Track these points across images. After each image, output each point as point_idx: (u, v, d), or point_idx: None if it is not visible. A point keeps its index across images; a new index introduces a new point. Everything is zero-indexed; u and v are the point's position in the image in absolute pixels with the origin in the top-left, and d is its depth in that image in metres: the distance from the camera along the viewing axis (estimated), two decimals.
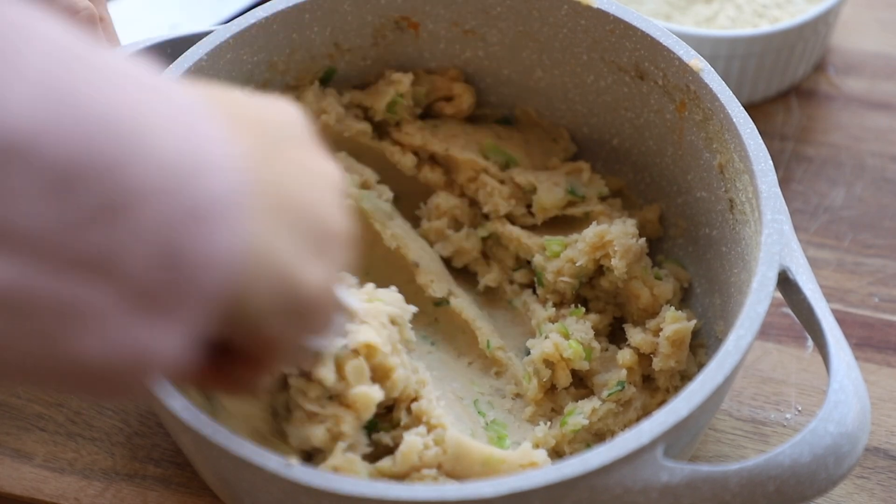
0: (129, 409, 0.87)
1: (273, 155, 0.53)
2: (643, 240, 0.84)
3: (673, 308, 0.82)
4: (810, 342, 0.90)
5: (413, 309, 0.79)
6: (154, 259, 0.43)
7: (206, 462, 0.72)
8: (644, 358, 0.83)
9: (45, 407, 0.87)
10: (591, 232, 0.84)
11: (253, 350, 0.55)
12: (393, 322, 0.77)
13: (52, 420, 0.87)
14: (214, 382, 0.58)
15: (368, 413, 0.73)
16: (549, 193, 0.89)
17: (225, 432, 0.66)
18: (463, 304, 0.88)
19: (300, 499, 0.66)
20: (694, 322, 0.81)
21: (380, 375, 0.74)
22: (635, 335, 0.83)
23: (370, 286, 0.79)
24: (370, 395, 0.72)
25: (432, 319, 0.89)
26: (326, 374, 0.72)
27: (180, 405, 0.67)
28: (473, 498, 0.63)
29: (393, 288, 0.80)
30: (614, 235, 0.83)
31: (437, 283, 0.88)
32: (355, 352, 0.73)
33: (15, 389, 0.88)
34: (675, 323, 0.81)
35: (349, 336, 0.73)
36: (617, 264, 0.83)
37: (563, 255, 0.86)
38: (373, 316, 0.75)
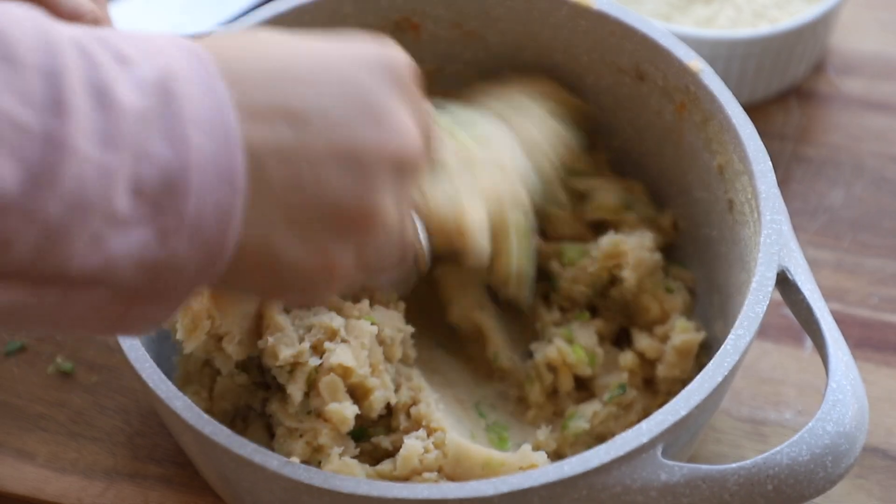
0: (130, 408, 0.88)
1: (297, 145, 0.52)
2: (658, 254, 0.84)
3: (683, 318, 0.82)
4: (809, 342, 0.90)
5: (410, 329, 0.79)
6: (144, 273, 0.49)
7: (207, 461, 0.73)
8: (647, 361, 0.83)
9: (46, 407, 0.87)
10: (607, 241, 0.84)
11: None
12: (381, 342, 0.77)
13: (54, 420, 0.87)
14: None
15: (346, 427, 0.74)
16: (606, 195, 0.88)
17: (226, 431, 0.66)
18: (482, 313, 0.87)
19: (301, 498, 0.66)
20: (703, 334, 0.81)
21: (359, 394, 0.75)
22: (641, 340, 0.83)
23: (365, 302, 0.79)
24: (343, 412, 0.73)
25: (450, 326, 0.89)
26: (294, 391, 0.74)
27: (182, 405, 0.67)
28: (474, 496, 0.63)
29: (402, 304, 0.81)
30: (629, 247, 0.83)
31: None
32: (330, 369, 0.74)
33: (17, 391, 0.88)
34: (683, 334, 0.81)
35: (325, 354, 0.74)
36: (628, 276, 0.83)
37: (579, 264, 0.85)
38: (354, 336, 0.76)
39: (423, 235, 0.69)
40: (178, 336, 0.73)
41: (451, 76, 0.92)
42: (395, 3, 0.87)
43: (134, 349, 0.70)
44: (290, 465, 0.65)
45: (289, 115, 0.52)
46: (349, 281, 0.58)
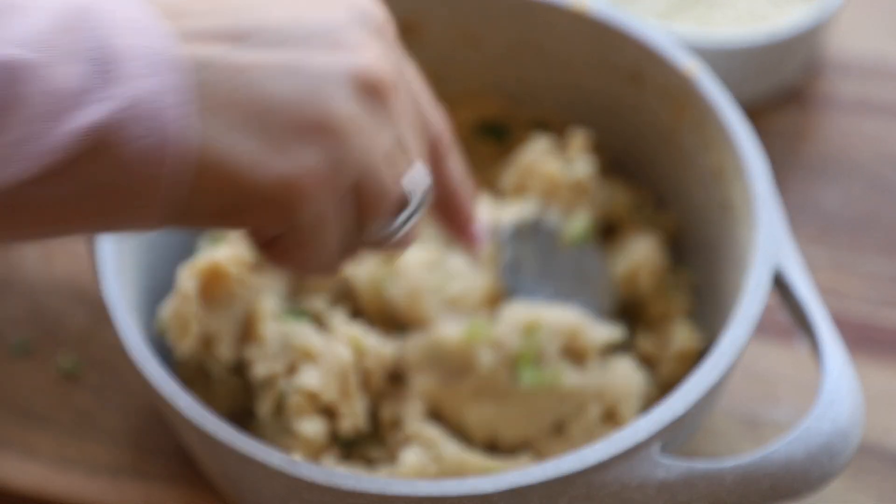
0: (133, 407, 0.88)
1: (240, 56, 0.52)
2: (663, 255, 0.85)
3: (686, 325, 0.83)
4: (805, 342, 0.91)
5: (389, 354, 0.79)
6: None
7: (210, 459, 0.73)
8: (647, 364, 0.83)
9: (50, 406, 0.88)
10: (623, 265, 0.85)
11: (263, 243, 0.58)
12: (360, 369, 0.77)
13: (58, 418, 0.87)
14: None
15: (315, 445, 0.75)
16: (620, 193, 0.89)
17: (229, 429, 0.67)
18: None
19: (303, 495, 0.66)
20: (705, 342, 0.82)
21: (335, 415, 0.76)
22: (642, 343, 0.83)
23: (357, 327, 0.79)
24: (305, 433, 0.74)
25: None
26: (262, 408, 0.76)
27: (185, 403, 0.68)
28: (473, 493, 0.64)
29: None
30: (642, 255, 0.84)
31: None
32: (296, 390, 0.75)
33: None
34: (685, 340, 0.81)
35: (295, 375, 0.75)
36: (644, 283, 0.84)
37: None
38: (328, 360, 0.76)
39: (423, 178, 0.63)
40: (170, 340, 0.74)
41: (451, 77, 0.92)
42: (396, 4, 0.87)
43: (138, 348, 0.71)
44: (292, 463, 0.65)
45: (233, 35, 0.52)
46: (324, 198, 0.55)
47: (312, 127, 0.53)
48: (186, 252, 0.83)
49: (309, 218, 0.56)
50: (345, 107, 0.54)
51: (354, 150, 0.55)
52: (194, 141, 0.50)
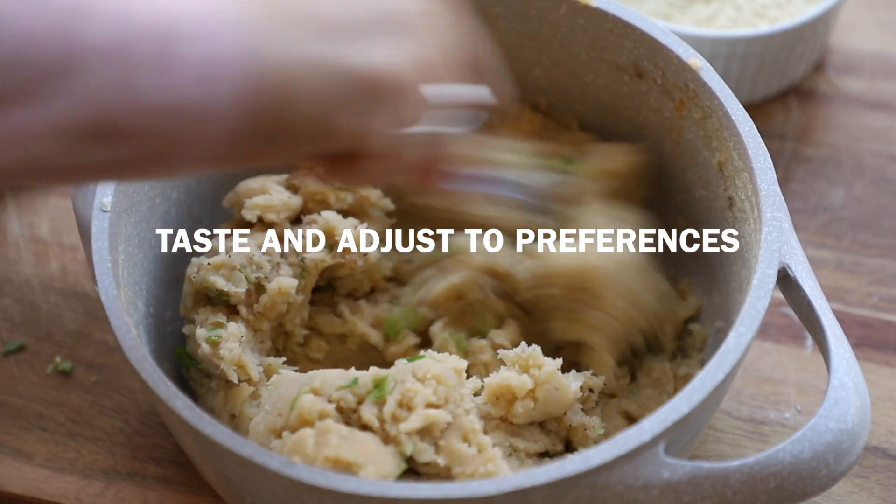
0: (129, 408, 0.87)
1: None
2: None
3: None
4: (809, 342, 0.90)
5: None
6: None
7: (207, 461, 0.73)
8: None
9: (45, 407, 0.87)
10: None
11: (354, 150, 0.62)
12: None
13: (53, 420, 0.87)
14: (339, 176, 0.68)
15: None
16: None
17: (227, 431, 0.66)
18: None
19: (302, 497, 0.66)
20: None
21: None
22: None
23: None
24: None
25: None
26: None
27: (183, 404, 0.67)
28: (476, 496, 0.63)
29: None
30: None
31: None
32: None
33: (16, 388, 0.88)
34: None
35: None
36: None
37: None
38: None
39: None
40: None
41: None
42: None
43: (134, 349, 0.70)
44: (291, 465, 0.65)
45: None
46: (402, 96, 0.60)
47: (392, 22, 0.60)
48: (183, 253, 0.83)
49: (410, 111, 0.61)
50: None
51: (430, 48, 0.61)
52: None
